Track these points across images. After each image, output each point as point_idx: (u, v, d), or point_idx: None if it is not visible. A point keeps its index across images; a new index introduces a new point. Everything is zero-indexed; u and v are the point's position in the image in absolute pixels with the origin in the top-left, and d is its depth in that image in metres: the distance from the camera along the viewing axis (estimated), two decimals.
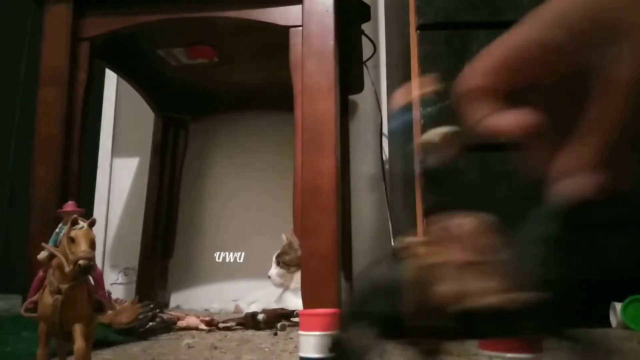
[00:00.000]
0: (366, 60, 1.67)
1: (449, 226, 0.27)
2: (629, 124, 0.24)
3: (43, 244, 0.60)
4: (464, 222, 0.27)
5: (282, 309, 1.15)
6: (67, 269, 0.50)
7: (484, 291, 0.24)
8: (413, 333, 0.27)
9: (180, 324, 1.04)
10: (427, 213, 0.29)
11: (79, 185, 1.16)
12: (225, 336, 0.95)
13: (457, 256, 0.25)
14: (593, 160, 0.25)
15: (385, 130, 1.75)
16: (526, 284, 0.24)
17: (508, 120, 0.27)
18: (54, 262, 0.53)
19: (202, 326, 1.03)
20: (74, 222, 0.52)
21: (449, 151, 0.29)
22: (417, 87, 0.30)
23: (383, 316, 0.27)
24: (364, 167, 1.76)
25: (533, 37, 0.26)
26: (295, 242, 1.23)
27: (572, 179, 0.25)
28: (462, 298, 0.24)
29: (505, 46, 0.27)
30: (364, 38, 1.52)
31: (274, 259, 1.29)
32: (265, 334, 0.98)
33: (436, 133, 0.29)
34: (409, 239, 0.29)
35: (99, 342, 0.69)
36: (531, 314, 0.24)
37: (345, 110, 1.71)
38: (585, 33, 0.24)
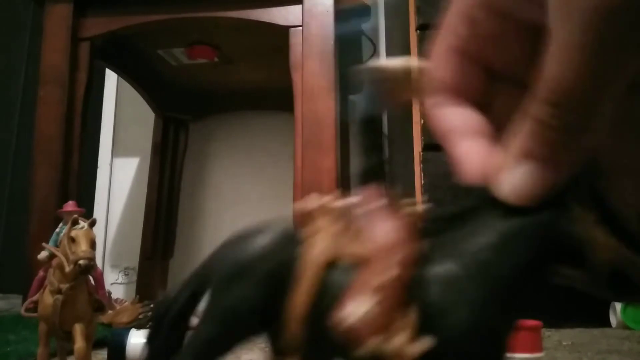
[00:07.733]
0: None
1: (375, 218, 0.20)
2: (594, 82, 0.15)
3: (43, 244, 0.61)
4: (386, 225, 0.19)
5: None
6: (67, 268, 0.50)
7: (393, 331, 0.18)
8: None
9: None
10: (364, 177, 0.21)
11: (79, 185, 1.16)
12: None
13: (376, 269, 0.18)
14: (532, 144, 0.17)
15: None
16: (442, 326, 0.18)
17: (453, 122, 0.21)
18: (54, 262, 0.53)
19: None
20: (75, 222, 0.52)
21: (399, 95, 0.22)
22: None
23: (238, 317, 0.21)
24: None
25: None
26: None
27: (507, 173, 0.18)
28: (366, 336, 0.18)
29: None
30: (364, 38, 1.52)
31: None
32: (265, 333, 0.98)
33: (399, 65, 0.22)
34: (320, 202, 0.22)
35: (99, 342, 0.69)
36: None
37: (346, 110, 1.71)
38: None
